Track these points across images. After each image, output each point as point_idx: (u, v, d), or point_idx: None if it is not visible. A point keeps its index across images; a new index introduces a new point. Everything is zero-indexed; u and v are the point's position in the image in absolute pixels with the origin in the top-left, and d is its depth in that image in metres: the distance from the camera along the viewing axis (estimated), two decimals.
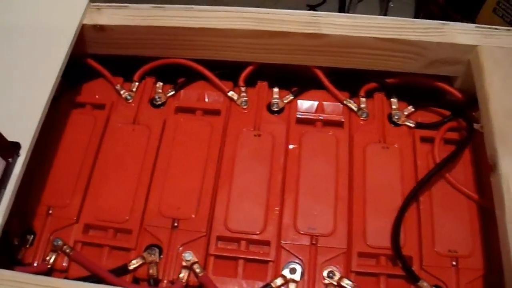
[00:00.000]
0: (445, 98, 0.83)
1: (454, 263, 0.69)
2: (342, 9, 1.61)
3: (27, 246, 0.72)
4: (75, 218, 0.73)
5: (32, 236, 0.72)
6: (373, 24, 0.75)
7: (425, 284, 0.66)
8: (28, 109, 0.69)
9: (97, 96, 0.84)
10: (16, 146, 0.65)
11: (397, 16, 0.78)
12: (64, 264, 0.70)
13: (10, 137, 0.63)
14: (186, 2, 0.83)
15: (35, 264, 0.70)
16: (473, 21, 1.30)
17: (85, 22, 0.78)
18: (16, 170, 0.64)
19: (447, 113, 0.80)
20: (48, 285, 0.60)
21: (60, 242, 0.70)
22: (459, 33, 0.74)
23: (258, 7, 0.79)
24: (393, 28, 0.75)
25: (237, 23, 0.76)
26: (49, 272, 0.70)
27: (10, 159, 0.64)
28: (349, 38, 0.75)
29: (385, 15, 1.60)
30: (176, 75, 0.85)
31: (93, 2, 0.79)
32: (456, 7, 1.38)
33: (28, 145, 0.66)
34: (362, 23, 0.75)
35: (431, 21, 0.76)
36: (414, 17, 1.51)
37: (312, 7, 1.69)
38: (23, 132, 0.67)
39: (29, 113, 0.68)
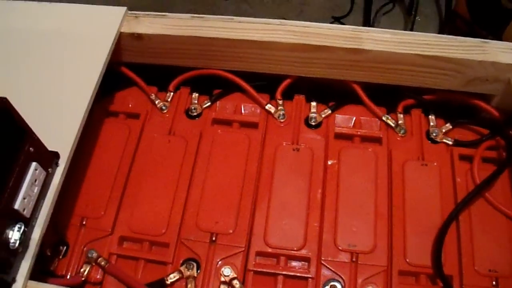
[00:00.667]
0: (481, 116, 0.83)
1: (494, 283, 0.68)
2: (367, 22, 1.61)
3: (60, 257, 0.70)
4: (109, 230, 0.72)
5: (65, 247, 0.71)
6: (415, 41, 0.75)
7: None
8: (67, 118, 0.68)
9: (130, 105, 0.83)
10: (55, 156, 0.64)
11: (422, 31, 0.78)
12: (98, 276, 0.69)
13: (49, 147, 0.62)
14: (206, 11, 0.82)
15: (68, 276, 0.69)
16: (499, 38, 1.31)
17: (122, 30, 0.76)
18: (55, 180, 0.63)
19: (484, 131, 0.79)
20: None
21: (94, 254, 0.69)
22: (500, 51, 0.74)
23: (283, 18, 0.78)
24: (435, 45, 0.74)
25: (277, 35, 0.75)
26: (83, 284, 0.69)
27: (49, 169, 0.63)
28: (390, 54, 0.74)
29: (411, 29, 1.60)
30: (210, 85, 0.84)
31: (130, 11, 0.78)
32: (482, 23, 1.38)
33: (67, 155, 0.65)
34: (405, 39, 0.75)
35: (472, 39, 0.76)
36: (439, 33, 1.52)
37: (337, 19, 1.69)
38: (63, 141, 0.65)
39: (68, 122, 0.67)
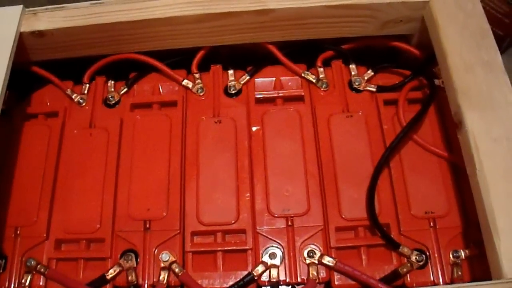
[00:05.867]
0: (405, 58, 0.81)
1: (431, 224, 0.68)
2: None
3: (0, 271, 0.69)
4: (44, 235, 0.70)
5: (4, 260, 0.70)
6: None
7: (405, 249, 0.66)
8: None
9: (48, 104, 0.81)
10: None
11: None
12: (41, 283, 0.68)
13: None
14: None
15: None
16: None
17: (22, 29, 0.73)
18: None
19: (408, 72, 0.78)
20: None
21: (33, 262, 0.68)
22: None
23: None
24: None
25: (180, 9, 0.72)
26: None
27: None
28: (297, 9, 0.72)
29: None
30: (127, 70, 0.82)
31: (28, 8, 0.75)
32: None
33: None
34: None
35: None
36: None
37: None
38: None
39: None
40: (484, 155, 0.60)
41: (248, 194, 0.71)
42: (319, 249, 0.68)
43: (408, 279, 0.66)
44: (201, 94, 0.79)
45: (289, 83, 0.80)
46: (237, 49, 0.79)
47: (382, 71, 0.79)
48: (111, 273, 0.67)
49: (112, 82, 0.82)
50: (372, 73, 0.78)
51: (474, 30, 0.69)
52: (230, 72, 0.81)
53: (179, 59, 0.81)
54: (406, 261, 0.66)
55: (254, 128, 0.76)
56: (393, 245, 0.67)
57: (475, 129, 0.62)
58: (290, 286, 0.67)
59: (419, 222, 0.68)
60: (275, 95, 0.78)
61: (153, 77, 0.82)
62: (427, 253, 0.67)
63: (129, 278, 0.67)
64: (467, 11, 0.70)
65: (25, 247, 0.70)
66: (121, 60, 0.80)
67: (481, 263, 0.64)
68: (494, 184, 0.59)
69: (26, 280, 0.68)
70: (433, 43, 0.71)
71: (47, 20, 0.74)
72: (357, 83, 0.77)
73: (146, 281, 0.67)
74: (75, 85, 0.82)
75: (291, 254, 0.68)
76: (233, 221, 0.70)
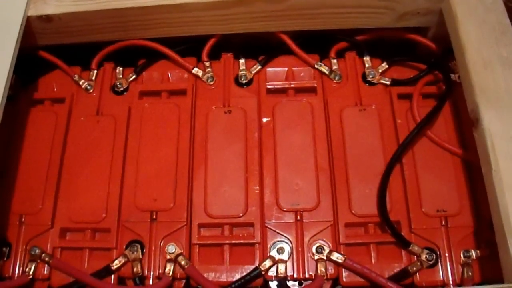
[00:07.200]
0: (420, 51, 0.79)
1: (443, 222, 0.67)
2: None
3: (4, 259, 0.69)
4: (49, 223, 0.70)
5: (8, 248, 0.69)
6: None
7: (416, 248, 0.65)
8: None
9: (55, 90, 0.80)
10: None
11: None
12: (45, 272, 0.68)
13: None
14: None
15: (15, 277, 0.68)
16: None
17: (30, 14, 0.72)
18: None
19: (423, 66, 0.76)
20: None
21: (37, 251, 0.67)
22: None
23: None
24: None
25: None
26: (31, 282, 0.68)
27: None
28: None
29: None
30: (136, 57, 0.81)
31: None
32: None
33: None
34: None
35: None
36: None
37: None
38: None
39: None
40: (500, 154, 0.59)
41: (257, 187, 0.70)
42: (328, 245, 0.67)
43: (418, 278, 0.65)
44: (211, 83, 0.78)
45: (302, 74, 0.78)
46: (249, 37, 0.78)
47: (396, 64, 0.78)
48: (116, 263, 0.67)
49: (121, 68, 0.81)
50: (387, 66, 0.77)
51: (493, 25, 0.67)
52: (242, 61, 0.79)
53: (189, 46, 0.80)
54: (416, 259, 0.65)
55: (264, 120, 0.75)
56: (403, 243, 0.65)
57: (492, 128, 0.60)
58: (298, 282, 0.67)
59: (430, 220, 0.67)
60: (287, 86, 0.77)
61: (163, 64, 0.80)
62: (438, 252, 0.66)
63: (134, 269, 0.66)
64: (487, 5, 0.68)
65: (29, 235, 0.70)
66: (130, 46, 0.79)
67: (492, 264, 0.62)
68: (510, 184, 0.57)
69: (30, 269, 0.67)
70: (451, 37, 0.69)
71: (55, 4, 0.73)
72: (371, 76, 0.76)
73: (152, 273, 0.67)
74: (83, 71, 0.81)
75: (299, 249, 0.67)
76: (241, 214, 0.69)
